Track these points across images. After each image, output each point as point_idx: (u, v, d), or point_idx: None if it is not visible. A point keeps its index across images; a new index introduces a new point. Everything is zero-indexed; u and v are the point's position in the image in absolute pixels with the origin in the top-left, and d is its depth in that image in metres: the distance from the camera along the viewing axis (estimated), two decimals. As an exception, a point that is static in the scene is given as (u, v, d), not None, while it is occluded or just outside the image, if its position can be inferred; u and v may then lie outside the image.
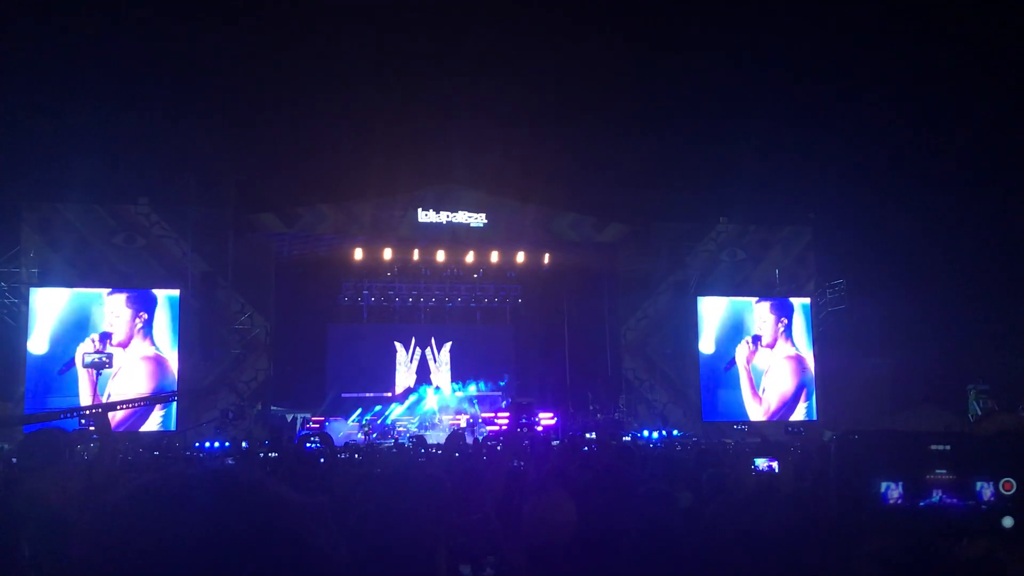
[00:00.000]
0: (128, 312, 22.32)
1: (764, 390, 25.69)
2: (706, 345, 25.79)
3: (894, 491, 1.75)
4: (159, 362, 22.29)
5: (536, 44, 30.82)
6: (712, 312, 25.93)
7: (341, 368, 30.58)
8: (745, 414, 25.30)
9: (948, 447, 1.77)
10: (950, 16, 24.00)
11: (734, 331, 25.93)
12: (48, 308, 21.84)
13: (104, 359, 15.02)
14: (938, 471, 1.77)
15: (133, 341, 22.29)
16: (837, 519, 1.76)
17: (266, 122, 27.80)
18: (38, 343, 21.61)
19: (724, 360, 25.77)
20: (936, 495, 1.76)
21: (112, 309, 22.23)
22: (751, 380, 25.70)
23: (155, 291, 22.69)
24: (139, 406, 18.99)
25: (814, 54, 26.93)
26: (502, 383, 30.67)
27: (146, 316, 22.43)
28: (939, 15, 24.07)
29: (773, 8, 26.50)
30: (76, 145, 21.65)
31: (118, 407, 13.68)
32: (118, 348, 21.94)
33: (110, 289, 22.34)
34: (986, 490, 1.74)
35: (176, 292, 22.81)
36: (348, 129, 28.33)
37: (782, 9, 26.34)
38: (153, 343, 22.46)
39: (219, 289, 23.41)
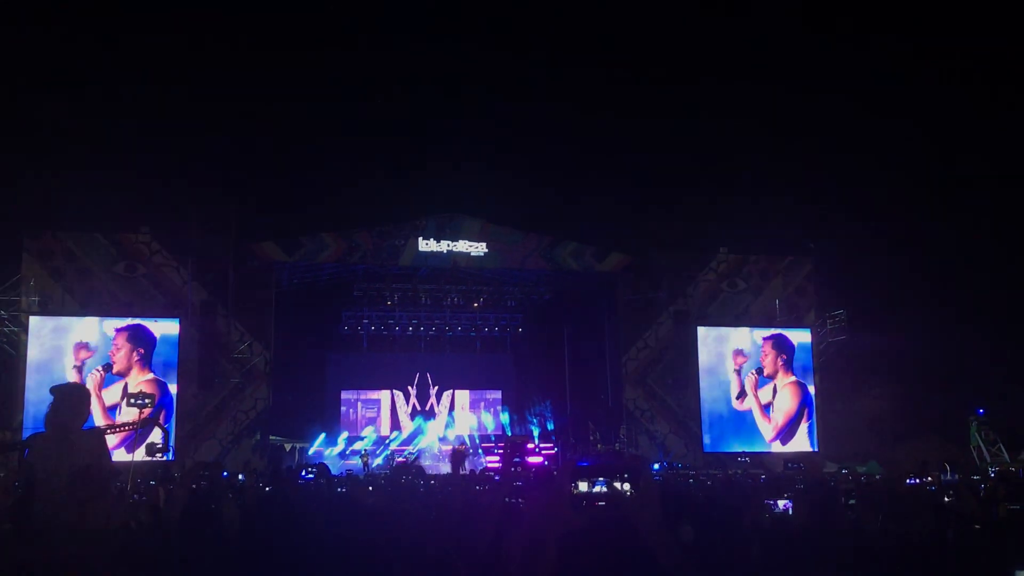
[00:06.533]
0: (128, 346, 22.56)
1: (772, 411, 26.01)
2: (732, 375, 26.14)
3: None
4: (161, 385, 22.41)
5: (539, 76, 31.05)
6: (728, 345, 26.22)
7: (340, 397, 30.54)
8: (754, 440, 25.45)
9: None
10: (950, 49, 24.19)
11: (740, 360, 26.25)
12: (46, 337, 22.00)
13: (148, 401, 14.76)
14: None
15: (132, 371, 22.47)
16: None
17: (268, 151, 27.97)
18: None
19: (735, 389, 26.03)
20: None
21: (116, 343, 22.46)
22: (759, 404, 25.92)
23: (153, 328, 22.88)
24: (129, 431, 18.82)
25: (813, 87, 27.12)
26: (504, 415, 30.67)
27: (143, 351, 22.68)
28: (940, 49, 24.27)
29: (772, 41, 26.74)
30: (78, 174, 21.73)
31: (108, 431, 13.59)
32: (118, 377, 22.26)
33: (108, 321, 22.54)
34: None
35: (175, 329, 22.89)
36: (350, 158, 28.52)
37: (782, 43, 26.57)
38: (152, 371, 22.63)
39: (219, 318, 23.36)
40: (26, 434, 19.99)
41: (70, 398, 5.82)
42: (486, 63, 30.66)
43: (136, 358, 22.60)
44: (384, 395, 30.78)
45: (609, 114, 32.08)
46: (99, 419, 20.70)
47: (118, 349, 22.48)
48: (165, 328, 22.94)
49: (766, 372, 26.13)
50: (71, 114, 23.06)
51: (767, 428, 25.84)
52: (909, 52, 25.59)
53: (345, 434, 28.46)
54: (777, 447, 25.27)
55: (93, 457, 5.56)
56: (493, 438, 29.55)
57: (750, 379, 26.01)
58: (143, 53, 25.43)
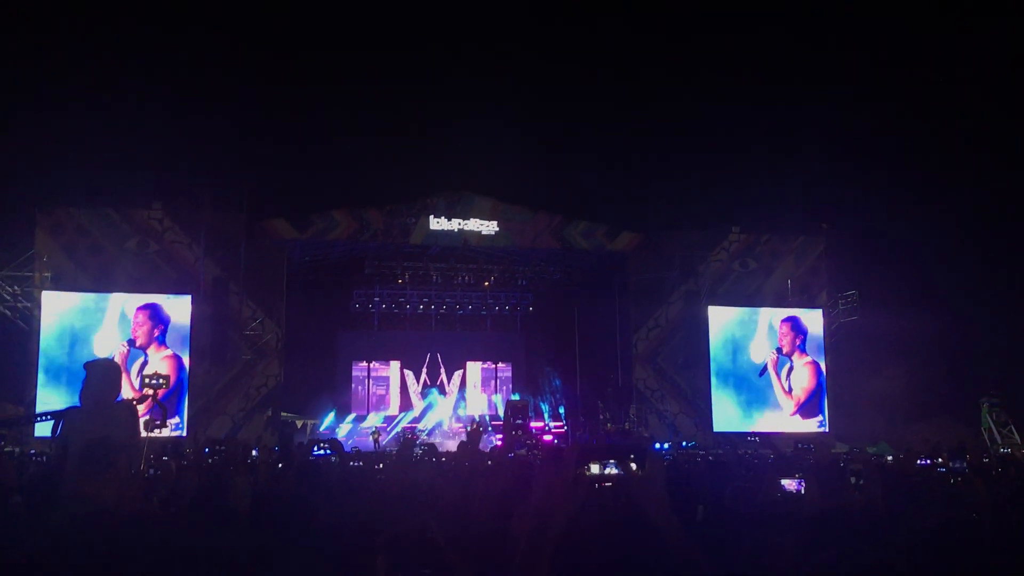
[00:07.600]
0: (148, 324, 22.90)
1: (791, 388, 26.27)
2: (757, 354, 26.33)
3: None
4: (177, 361, 22.78)
5: (550, 54, 30.89)
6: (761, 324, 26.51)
7: (351, 372, 30.67)
8: (768, 414, 25.75)
9: None
10: (965, 32, 23.95)
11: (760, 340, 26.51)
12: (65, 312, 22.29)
13: (162, 381, 14.83)
14: None
15: (150, 348, 22.78)
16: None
17: (280, 129, 27.93)
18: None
19: (756, 367, 26.29)
20: None
21: (137, 319, 22.81)
22: (779, 380, 26.19)
23: (167, 306, 23.14)
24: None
25: (828, 65, 26.90)
26: (515, 396, 30.70)
27: (161, 328, 23.03)
28: (955, 30, 24.02)
29: (787, 21, 26.50)
30: (91, 150, 21.76)
31: (138, 403, 13.76)
32: (139, 351, 22.73)
33: (129, 301, 22.88)
34: None
35: (187, 307, 23.08)
36: (361, 136, 28.47)
37: (796, 22, 26.34)
38: (168, 347, 22.94)
39: (231, 294, 23.41)
40: (38, 410, 20.19)
41: (104, 373, 5.91)
42: (497, 43, 30.52)
43: (155, 335, 22.94)
44: (394, 372, 30.89)
45: (622, 93, 31.92)
46: (127, 393, 20.93)
47: (139, 326, 22.78)
48: (178, 307, 23.09)
49: (784, 351, 26.32)
50: (83, 89, 23.09)
51: (788, 403, 26.11)
52: (924, 33, 25.36)
53: (353, 415, 28.64)
54: (787, 426, 25.21)
55: (127, 430, 5.66)
56: (502, 417, 29.65)
57: (771, 357, 26.18)
58: (156, 29, 25.41)
